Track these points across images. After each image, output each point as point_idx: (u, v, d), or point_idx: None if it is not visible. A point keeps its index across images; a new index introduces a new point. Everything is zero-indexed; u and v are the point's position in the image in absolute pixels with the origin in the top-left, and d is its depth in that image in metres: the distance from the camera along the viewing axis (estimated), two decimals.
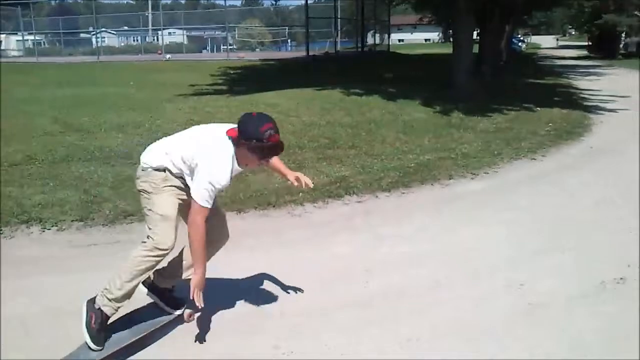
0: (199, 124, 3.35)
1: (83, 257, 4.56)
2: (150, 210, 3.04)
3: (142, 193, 3.09)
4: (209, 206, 2.92)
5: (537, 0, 23.47)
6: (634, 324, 3.38)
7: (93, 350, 2.95)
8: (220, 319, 3.55)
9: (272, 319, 3.56)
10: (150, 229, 3.02)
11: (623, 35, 41.01)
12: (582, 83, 19.34)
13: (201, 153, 2.95)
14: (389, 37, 36.57)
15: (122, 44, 42.03)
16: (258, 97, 11.76)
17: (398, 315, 3.58)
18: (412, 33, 79.46)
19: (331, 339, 3.31)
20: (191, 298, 2.95)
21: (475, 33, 20.90)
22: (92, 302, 3.04)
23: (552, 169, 7.41)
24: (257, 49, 40.58)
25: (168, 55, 28.19)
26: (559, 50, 55.56)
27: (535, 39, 77.86)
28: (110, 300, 3.01)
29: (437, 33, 72.06)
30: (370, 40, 33.19)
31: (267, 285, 4.01)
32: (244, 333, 3.41)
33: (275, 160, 3.52)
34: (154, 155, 3.10)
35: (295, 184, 3.58)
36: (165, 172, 3.04)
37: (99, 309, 3.01)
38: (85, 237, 4.94)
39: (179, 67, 22.29)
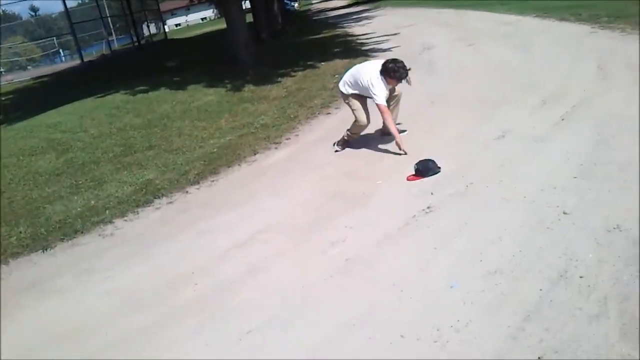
0: None
1: None
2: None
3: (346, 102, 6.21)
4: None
5: None
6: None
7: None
8: None
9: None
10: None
11: None
12: (356, 29, 20.23)
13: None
14: (163, 25, 35.53)
15: None
16: (38, 120, 10.80)
17: (231, 312, 3.53)
18: (187, 15, 78.20)
19: (170, 351, 3.21)
20: (387, 132, 6.04)
21: (247, 3, 21.07)
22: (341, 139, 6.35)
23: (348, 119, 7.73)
24: (29, 67, 37.15)
25: None
26: (330, 2, 57.92)
27: None
28: (347, 137, 6.30)
29: (211, 10, 71.40)
30: (146, 31, 31.98)
31: (92, 314, 3.75)
32: None
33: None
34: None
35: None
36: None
37: (343, 137, 6.32)
38: None
39: None
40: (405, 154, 5.64)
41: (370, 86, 5.72)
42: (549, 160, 4.74)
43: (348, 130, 6.26)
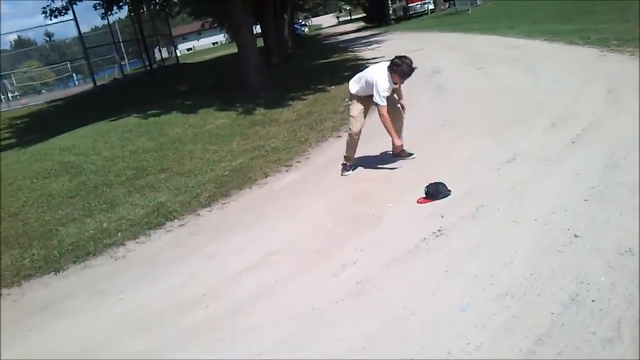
0: None
1: None
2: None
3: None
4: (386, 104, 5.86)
5: None
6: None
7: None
8: None
9: None
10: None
11: (390, 2, 44.09)
12: (366, 53, 20.30)
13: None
14: (175, 49, 35.92)
15: None
16: (52, 143, 10.89)
17: (242, 334, 3.52)
18: (198, 40, 79.04)
19: None
20: (397, 153, 6.34)
21: (257, 27, 21.24)
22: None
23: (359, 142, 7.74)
24: (42, 91, 37.56)
25: None
26: (340, 26, 58.39)
27: (316, 21, 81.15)
28: (345, 159, 6.45)
29: (222, 34, 72.18)
30: (158, 56, 32.32)
31: (103, 336, 3.75)
32: None
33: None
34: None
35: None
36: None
37: (343, 162, 6.49)
38: None
39: None
40: (408, 155, 6.19)
41: (374, 82, 5.88)
42: (560, 183, 4.73)
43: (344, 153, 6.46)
